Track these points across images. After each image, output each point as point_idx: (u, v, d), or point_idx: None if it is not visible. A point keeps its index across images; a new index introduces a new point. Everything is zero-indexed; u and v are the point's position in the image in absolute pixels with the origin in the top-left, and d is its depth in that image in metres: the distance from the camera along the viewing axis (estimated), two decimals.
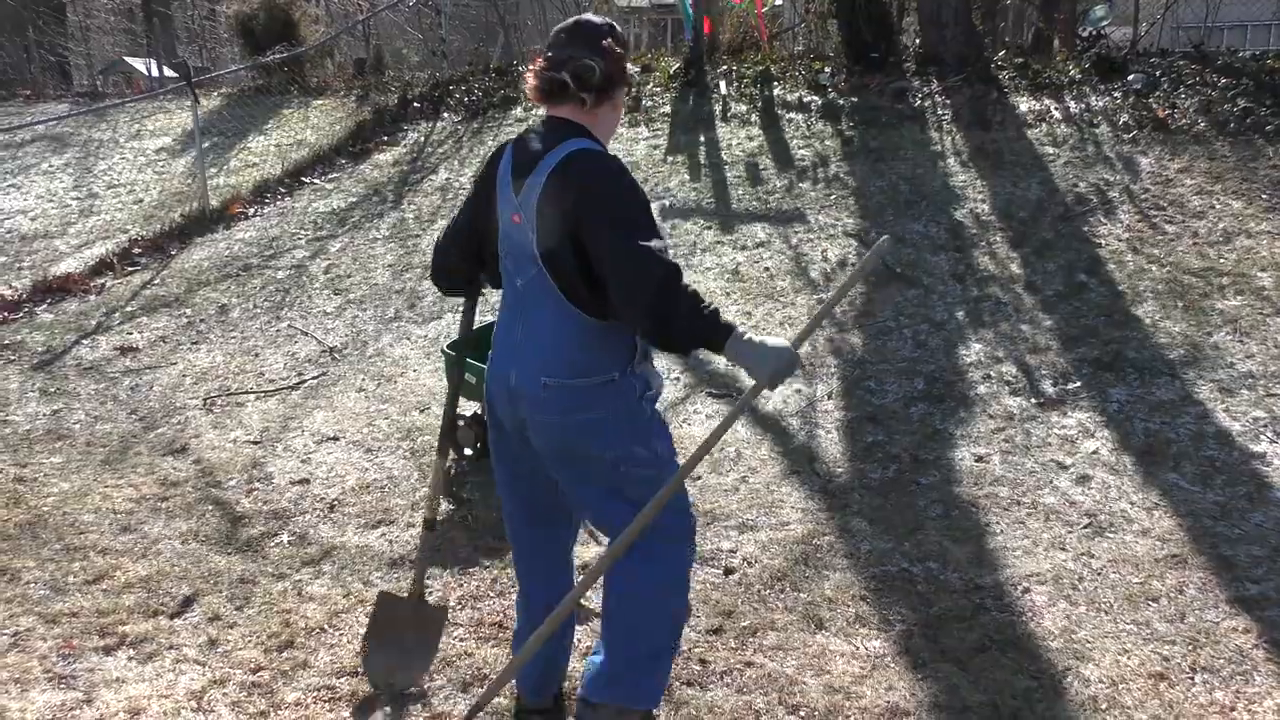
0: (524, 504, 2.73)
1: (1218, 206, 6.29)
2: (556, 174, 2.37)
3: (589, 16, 2.60)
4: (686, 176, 7.86)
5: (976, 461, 4.44)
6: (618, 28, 2.61)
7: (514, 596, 3.07)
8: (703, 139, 8.47)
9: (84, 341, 6.51)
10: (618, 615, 2.60)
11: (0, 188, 10.16)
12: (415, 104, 10.65)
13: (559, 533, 2.80)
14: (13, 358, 6.30)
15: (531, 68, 2.52)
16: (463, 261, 2.80)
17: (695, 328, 2.29)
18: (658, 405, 2.62)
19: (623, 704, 2.57)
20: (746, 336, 2.34)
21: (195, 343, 6.40)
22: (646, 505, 2.43)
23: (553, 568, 2.81)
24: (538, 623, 2.64)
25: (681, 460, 2.59)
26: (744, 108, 8.94)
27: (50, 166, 10.68)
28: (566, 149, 2.40)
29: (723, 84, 9.40)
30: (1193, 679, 3.04)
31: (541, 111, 2.57)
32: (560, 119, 2.49)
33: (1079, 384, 4.96)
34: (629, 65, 2.57)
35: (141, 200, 9.39)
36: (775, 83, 9.27)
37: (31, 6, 16.60)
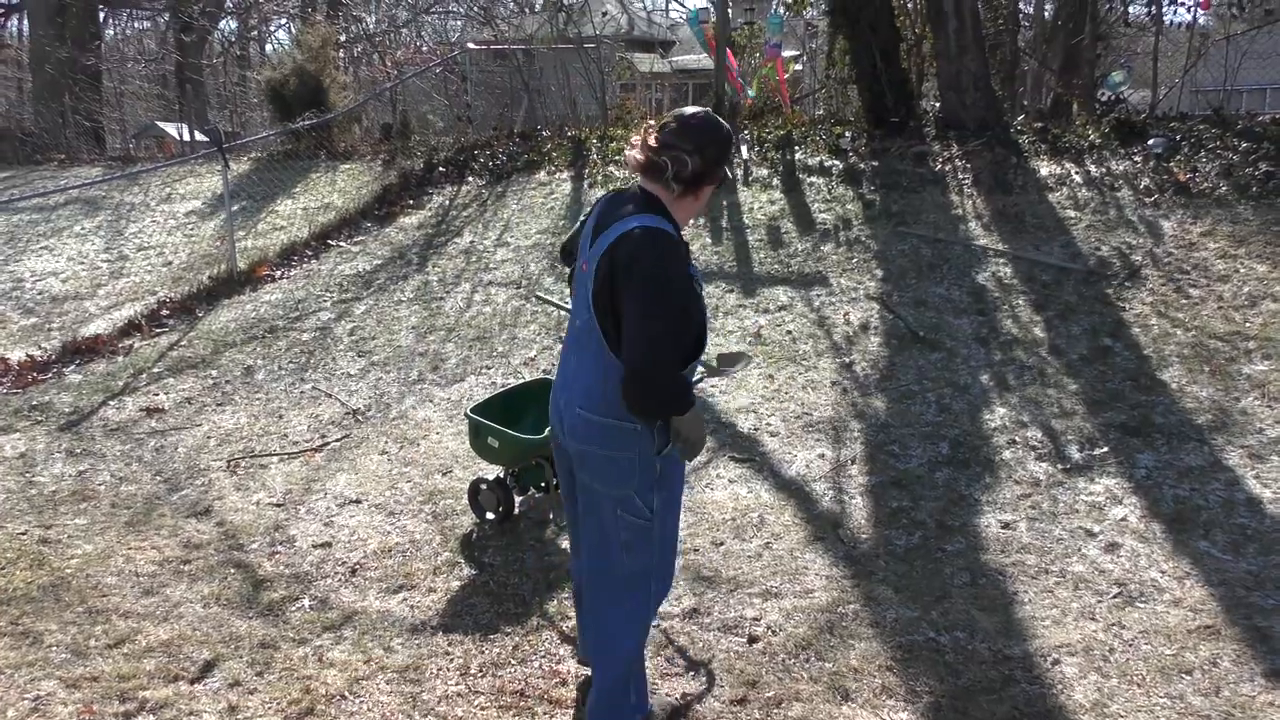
0: (571, 527, 3.17)
1: (1242, 270, 6.27)
2: (622, 240, 2.66)
3: (704, 114, 2.80)
4: (709, 240, 7.91)
5: (1003, 528, 4.39)
6: (727, 130, 2.82)
7: (537, 664, 3.39)
8: (724, 202, 8.55)
9: (111, 402, 6.57)
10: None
11: (33, 250, 10.34)
12: (440, 168, 10.81)
13: None
14: (40, 419, 6.36)
15: (637, 142, 2.76)
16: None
17: (656, 409, 2.72)
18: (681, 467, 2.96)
19: None
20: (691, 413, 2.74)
21: (220, 404, 6.45)
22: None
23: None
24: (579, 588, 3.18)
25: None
26: (765, 171, 9.03)
27: (82, 229, 10.87)
28: (640, 221, 2.67)
29: (744, 148, 9.51)
30: None
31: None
32: (649, 193, 2.76)
33: (1106, 449, 4.92)
34: (725, 168, 2.83)
35: (171, 262, 9.54)
36: (796, 147, 9.37)
37: (69, 74, 17.02)
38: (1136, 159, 7.93)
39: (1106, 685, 3.32)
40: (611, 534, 2.87)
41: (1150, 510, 4.44)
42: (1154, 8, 11.70)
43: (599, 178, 9.62)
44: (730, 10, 11.26)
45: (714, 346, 6.34)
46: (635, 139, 2.78)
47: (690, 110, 2.80)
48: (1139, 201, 7.33)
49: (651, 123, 2.80)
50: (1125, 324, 5.99)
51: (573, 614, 3.80)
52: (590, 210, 2.92)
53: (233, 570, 4.34)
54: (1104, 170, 7.88)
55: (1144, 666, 3.42)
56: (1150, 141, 8.08)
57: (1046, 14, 13.61)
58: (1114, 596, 3.86)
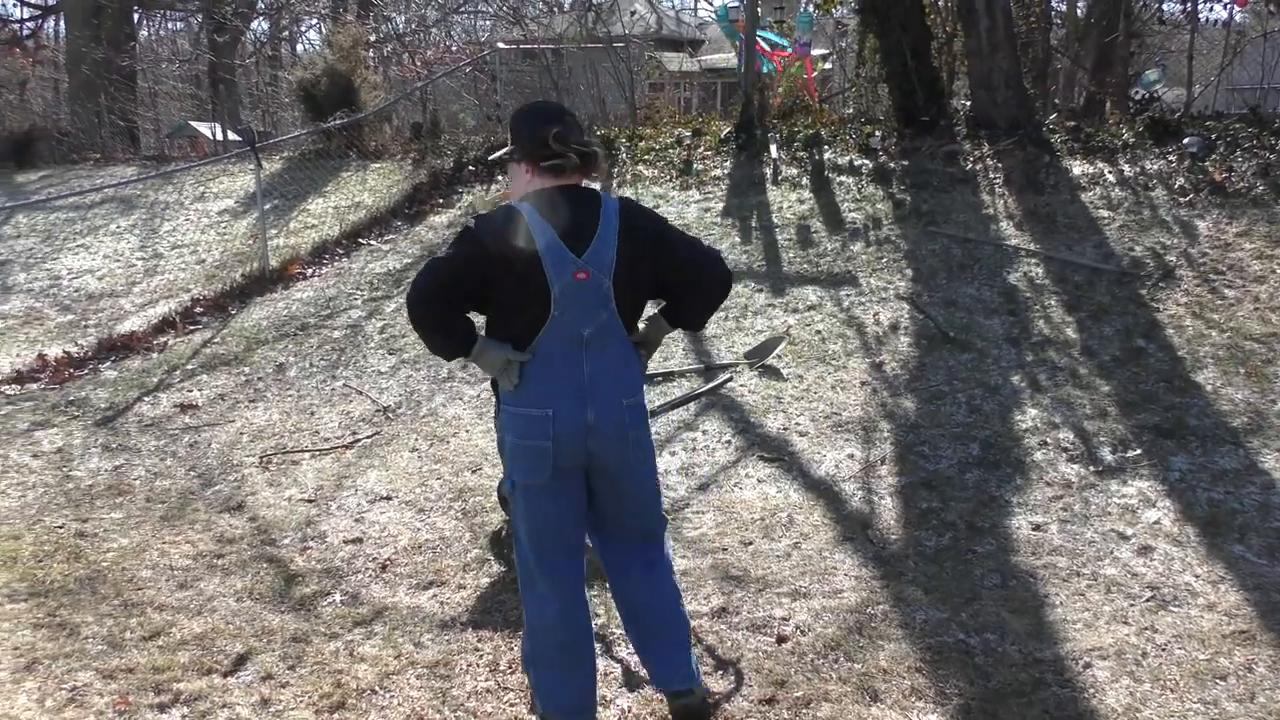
0: (565, 541, 3.02)
1: (1279, 271, 6.19)
2: (623, 227, 2.83)
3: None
4: (738, 239, 7.91)
5: (1034, 530, 4.36)
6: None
7: None
8: (754, 202, 8.54)
9: (146, 398, 6.65)
10: (679, 612, 3.13)
11: (70, 248, 10.50)
12: (470, 167, 10.86)
13: (582, 563, 3.11)
14: (77, 414, 6.45)
15: (569, 143, 2.84)
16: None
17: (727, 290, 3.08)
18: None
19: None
20: None
21: (253, 401, 6.52)
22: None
23: (580, 594, 3.08)
24: (574, 641, 3.01)
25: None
26: (795, 171, 9.01)
27: (118, 227, 11.02)
28: (612, 204, 2.87)
29: (773, 147, 9.49)
30: None
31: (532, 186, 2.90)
32: (574, 186, 2.90)
33: (1139, 451, 4.87)
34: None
35: (204, 260, 9.64)
36: (826, 146, 9.34)
37: (105, 74, 17.24)
38: (1171, 158, 7.85)
39: (1139, 690, 3.30)
40: (659, 512, 3.15)
41: (1184, 513, 4.39)
42: (1189, 5, 11.55)
43: (628, 176, 9.64)
44: (760, 8, 11.23)
45: (742, 346, 6.34)
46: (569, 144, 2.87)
47: (557, 106, 3.15)
48: (1173, 201, 7.25)
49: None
50: (1159, 325, 5.93)
51: (600, 611, 3.80)
52: (497, 250, 2.77)
53: (265, 565, 4.39)
54: (1138, 170, 7.81)
55: (1177, 671, 3.38)
56: (1185, 140, 7.99)
57: (1079, 12, 13.50)
58: (1147, 600, 3.82)
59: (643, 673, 3.38)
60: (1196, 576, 3.96)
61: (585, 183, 2.94)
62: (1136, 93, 9.95)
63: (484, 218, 2.86)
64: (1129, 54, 11.74)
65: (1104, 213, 7.28)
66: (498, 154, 3.12)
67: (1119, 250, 6.79)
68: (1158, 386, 5.39)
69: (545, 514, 2.97)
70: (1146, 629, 3.63)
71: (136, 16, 23.11)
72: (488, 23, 21.06)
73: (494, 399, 3.14)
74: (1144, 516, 4.40)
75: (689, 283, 2.96)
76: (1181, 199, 7.25)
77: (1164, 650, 3.50)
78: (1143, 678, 3.36)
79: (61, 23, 23.19)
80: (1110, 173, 7.85)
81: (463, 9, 21.16)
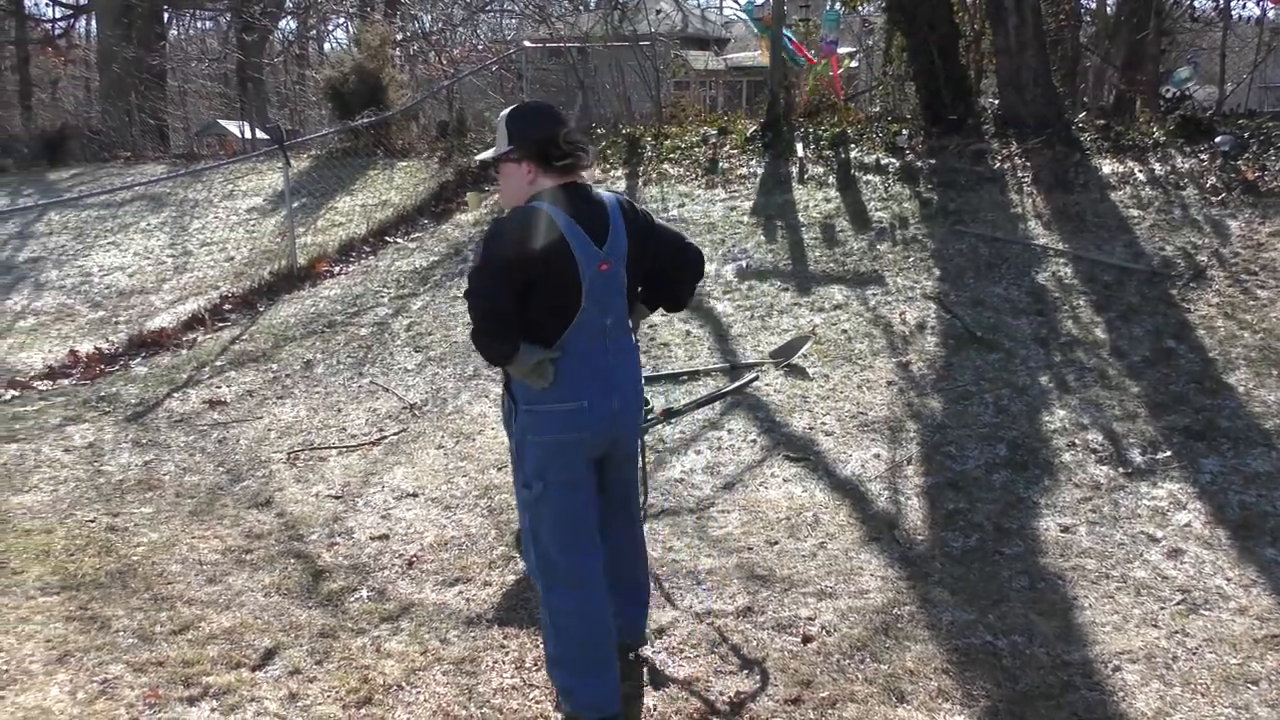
0: (590, 535, 3.12)
1: None
2: (626, 219, 3.01)
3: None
4: (763, 238, 7.89)
5: (1062, 532, 4.33)
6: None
7: None
8: (780, 201, 8.51)
9: (175, 394, 6.72)
10: (646, 574, 3.49)
11: (101, 245, 10.61)
12: (495, 166, 10.86)
13: (602, 559, 3.20)
14: (108, 409, 6.52)
15: (576, 143, 3.00)
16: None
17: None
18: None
19: None
20: None
21: (280, 397, 6.56)
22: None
23: (603, 590, 3.16)
24: (601, 640, 3.09)
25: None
26: (821, 169, 8.97)
27: (148, 225, 11.12)
28: (611, 199, 3.04)
29: (799, 146, 9.46)
30: None
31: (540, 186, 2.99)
32: (576, 183, 3.01)
33: (1169, 453, 4.82)
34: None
35: (233, 258, 9.72)
36: (852, 145, 9.30)
37: (135, 73, 17.41)
38: (1203, 157, 7.76)
39: (1169, 694, 3.26)
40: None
41: (1215, 516, 4.35)
42: (1222, 1, 11.43)
43: (653, 175, 9.63)
44: (785, 6, 11.20)
45: (768, 345, 6.33)
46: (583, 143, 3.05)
47: (549, 107, 3.20)
48: (1205, 200, 7.17)
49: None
50: (1190, 325, 5.87)
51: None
52: (538, 248, 2.85)
53: (293, 560, 4.42)
54: (1169, 168, 7.72)
55: (1208, 675, 3.35)
56: (1217, 139, 7.90)
57: (1109, 9, 13.36)
58: (1177, 603, 3.79)
59: (669, 672, 3.40)
60: (1228, 580, 3.92)
61: (580, 178, 3.07)
62: (1167, 90, 9.84)
63: (508, 221, 2.91)
64: (1160, 51, 11.60)
65: (1134, 212, 7.21)
66: (491, 154, 3.13)
67: (1149, 250, 6.72)
68: (1188, 388, 5.33)
69: (575, 507, 3.06)
70: (1177, 632, 3.60)
71: (166, 16, 23.30)
72: (514, 21, 21.09)
73: (509, 403, 3.09)
74: (1174, 519, 4.36)
75: (678, 267, 3.20)
76: (1213, 198, 7.17)
77: (1195, 654, 3.47)
78: (1173, 682, 3.33)
79: (93, 22, 23.45)
80: (1140, 171, 7.77)
81: (489, 7, 21.21)
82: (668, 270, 3.21)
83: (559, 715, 3.22)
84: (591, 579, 3.10)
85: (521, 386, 2.98)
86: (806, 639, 3.63)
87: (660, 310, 3.41)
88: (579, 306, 2.90)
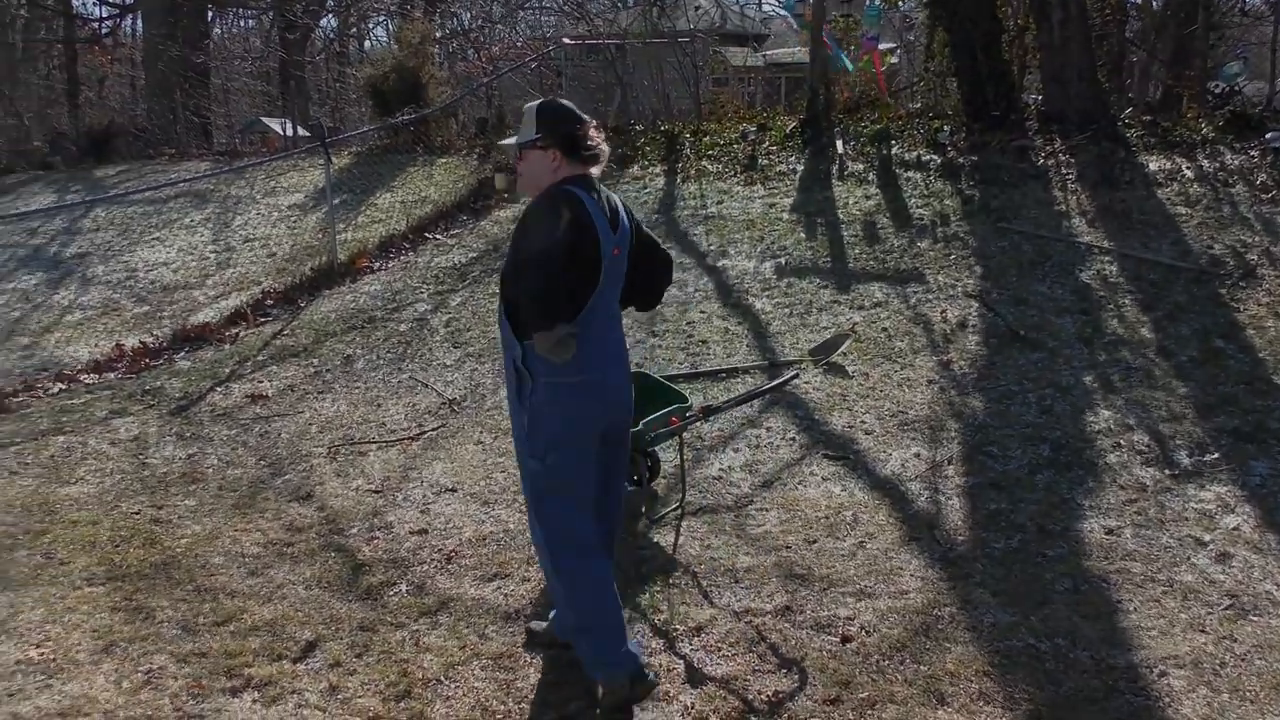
0: (597, 503, 3.31)
1: None
2: (628, 213, 3.27)
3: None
4: (803, 235, 7.84)
5: (1107, 534, 4.26)
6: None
7: None
8: (819, 197, 8.46)
9: (218, 389, 6.80)
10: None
11: (146, 241, 10.76)
12: None
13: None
14: (153, 403, 6.61)
15: (601, 138, 3.19)
16: None
17: None
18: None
19: None
20: None
21: (321, 392, 6.62)
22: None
23: (610, 562, 3.36)
24: (617, 605, 3.23)
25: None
26: (861, 166, 8.91)
27: (191, 221, 11.26)
28: (613, 194, 3.26)
29: (839, 143, 9.39)
30: None
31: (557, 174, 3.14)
32: (590, 176, 3.18)
33: (1217, 455, 4.74)
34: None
35: (274, 254, 9.82)
36: (893, 141, 9.23)
37: (180, 71, 17.63)
38: (1252, 153, 7.62)
39: (1217, 700, 3.21)
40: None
41: (1265, 520, 4.26)
42: None
43: (691, 172, 9.61)
44: (826, 2, 11.12)
45: (807, 343, 6.29)
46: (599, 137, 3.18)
47: (566, 105, 3.28)
48: (1255, 198, 7.03)
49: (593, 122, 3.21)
50: (1239, 325, 5.76)
51: (664, 607, 3.82)
52: (583, 233, 3.04)
53: (333, 554, 4.46)
54: (1217, 165, 7.59)
55: (1257, 682, 3.28)
56: (1268, 135, 7.75)
57: (1155, 4, 13.15)
58: (1225, 608, 3.71)
59: (707, 670, 3.39)
60: (1278, 585, 3.84)
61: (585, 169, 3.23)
62: (1216, 86, 9.68)
63: (547, 201, 3.07)
64: (1208, 47, 11.41)
65: (1181, 209, 7.09)
66: (521, 140, 3.19)
67: (1197, 248, 6.60)
68: (1237, 389, 5.23)
69: (584, 479, 3.23)
70: (1225, 638, 3.53)
71: (210, 14, 23.60)
72: (553, 18, 21.13)
73: (520, 379, 3.17)
74: (1222, 522, 4.28)
75: (652, 263, 3.41)
76: (1263, 195, 7.03)
77: (1243, 660, 3.40)
78: (1221, 688, 3.27)
79: (139, 21, 23.80)
80: (1188, 168, 7.64)
81: (528, 4, 21.26)
82: (645, 266, 3.38)
83: (601, 696, 3.24)
84: (599, 548, 3.28)
85: (541, 361, 3.06)
86: (846, 639, 3.61)
87: (633, 308, 3.53)
88: (597, 286, 3.10)
